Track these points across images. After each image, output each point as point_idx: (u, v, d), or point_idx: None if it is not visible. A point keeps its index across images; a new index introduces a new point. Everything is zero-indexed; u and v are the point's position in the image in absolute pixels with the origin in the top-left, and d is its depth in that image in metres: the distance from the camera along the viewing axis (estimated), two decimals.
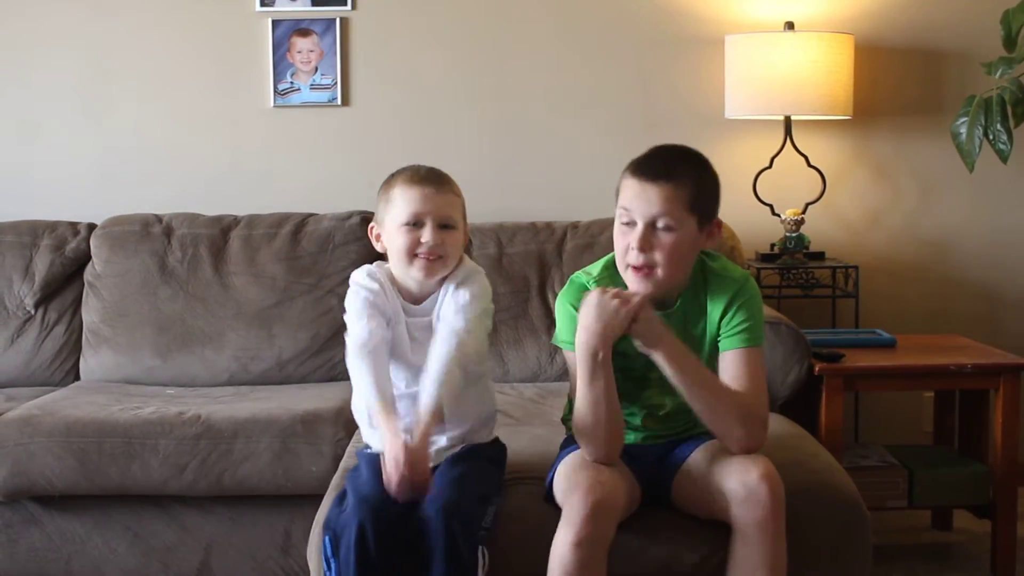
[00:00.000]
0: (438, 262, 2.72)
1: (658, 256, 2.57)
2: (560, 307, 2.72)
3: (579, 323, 2.57)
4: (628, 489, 2.62)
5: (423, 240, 2.68)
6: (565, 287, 2.74)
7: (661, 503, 2.74)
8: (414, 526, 2.56)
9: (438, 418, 2.61)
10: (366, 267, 2.82)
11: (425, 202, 2.69)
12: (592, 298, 2.56)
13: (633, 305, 2.53)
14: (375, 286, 2.76)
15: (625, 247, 2.60)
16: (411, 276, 2.75)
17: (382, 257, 3.64)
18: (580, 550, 2.46)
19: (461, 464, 2.67)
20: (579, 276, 2.74)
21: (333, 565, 2.56)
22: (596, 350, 2.54)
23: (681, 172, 2.60)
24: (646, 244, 2.57)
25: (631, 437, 2.75)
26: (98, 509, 3.36)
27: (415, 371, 2.73)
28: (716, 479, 2.57)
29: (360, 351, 2.69)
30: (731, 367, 2.64)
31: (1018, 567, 3.57)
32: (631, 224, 2.59)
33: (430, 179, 2.71)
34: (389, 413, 2.62)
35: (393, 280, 2.80)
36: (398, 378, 2.78)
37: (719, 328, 2.66)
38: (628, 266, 2.61)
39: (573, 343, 2.61)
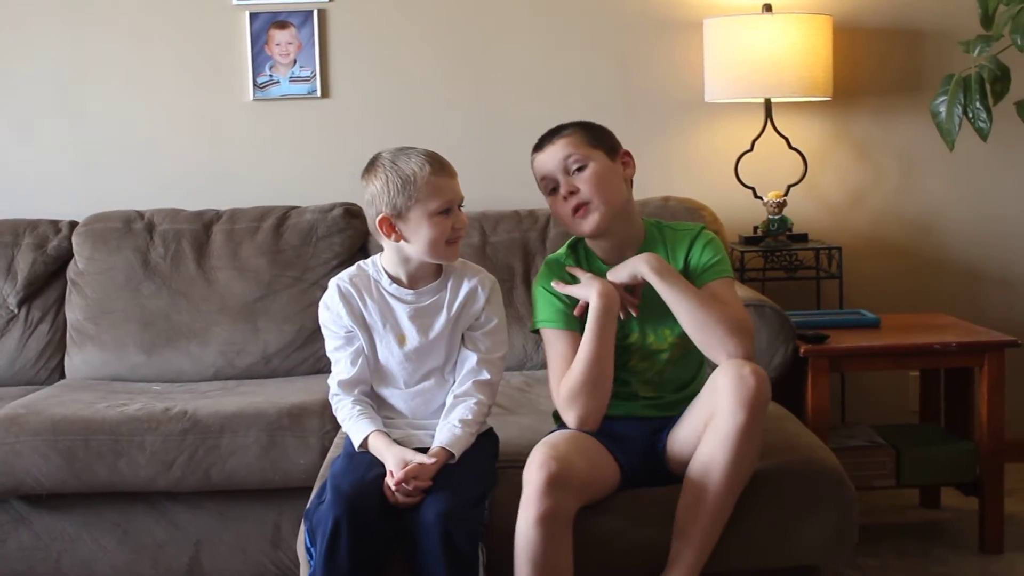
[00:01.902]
0: (460, 240, 2.81)
1: (585, 191, 2.78)
2: (537, 290, 2.86)
3: (596, 289, 2.73)
4: (591, 463, 2.66)
5: (456, 226, 2.76)
6: (540, 272, 2.90)
7: (654, 482, 2.75)
8: (392, 524, 2.57)
9: (450, 455, 2.68)
10: (335, 283, 2.84)
11: (452, 188, 2.76)
12: (585, 278, 2.79)
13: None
14: (343, 306, 2.81)
15: (560, 206, 2.81)
16: (439, 260, 2.81)
17: (364, 247, 3.66)
18: (540, 526, 2.50)
19: (458, 463, 2.67)
20: (551, 257, 2.92)
21: (313, 555, 2.57)
22: (610, 307, 2.72)
23: (567, 127, 2.86)
24: (571, 187, 2.79)
25: (628, 407, 2.84)
26: (86, 507, 3.36)
27: (416, 359, 2.80)
28: (710, 380, 2.68)
29: (342, 388, 2.80)
30: (711, 296, 2.76)
31: (1006, 543, 3.58)
32: (555, 188, 2.81)
33: (447, 164, 2.78)
34: (383, 438, 2.69)
35: (383, 272, 2.82)
36: (398, 378, 2.81)
37: (686, 273, 2.80)
38: (572, 217, 2.79)
39: (553, 321, 2.81)
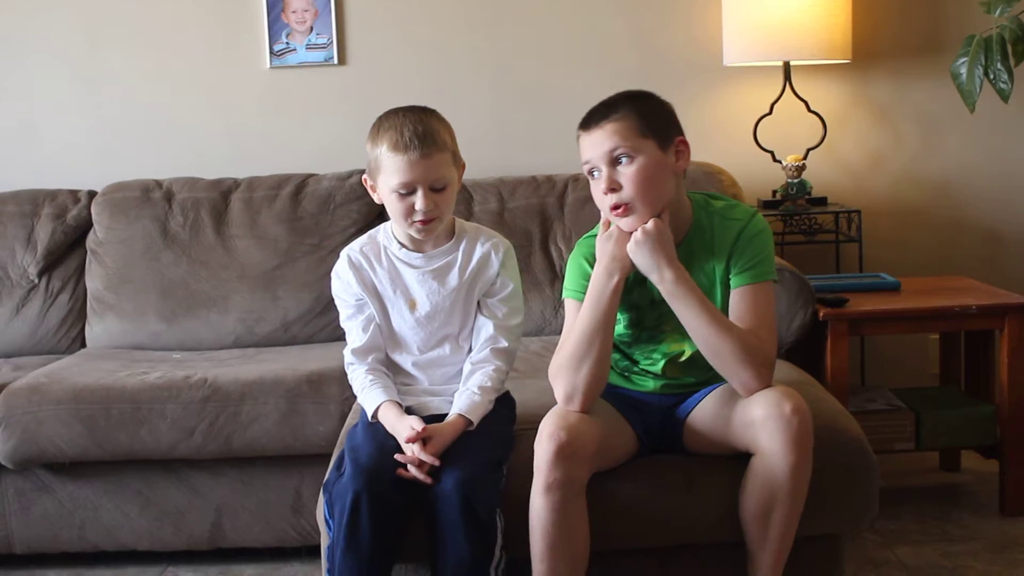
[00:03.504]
0: (433, 223, 2.74)
1: (628, 191, 2.59)
2: (572, 261, 2.75)
3: (600, 254, 2.62)
4: (604, 432, 2.62)
5: (416, 207, 2.69)
6: (578, 244, 2.77)
7: (670, 451, 2.75)
8: (411, 494, 2.57)
9: (468, 422, 2.67)
10: (346, 252, 2.86)
11: (413, 170, 2.68)
12: (612, 229, 2.63)
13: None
14: (353, 275, 2.82)
15: (600, 196, 2.63)
16: (410, 234, 2.78)
17: (382, 214, 3.66)
18: (551, 494, 2.49)
19: (476, 433, 2.66)
20: (590, 234, 2.76)
21: (331, 526, 2.57)
22: (612, 273, 2.60)
23: (620, 106, 2.63)
24: (613, 183, 2.60)
25: (650, 385, 2.78)
26: (109, 475, 3.38)
27: (428, 325, 2.80)
28: (742, 407, 2.58)
29: (355, 356, 2.81)
30: (737, 305, 2.64)
31: None
32: (598, 172, 2.63)
33: (415, 143, 2.66)
34: (394, 409, 2.68)
35: (392, 238, 2.84)
36: (412, 344, 2.82)
37: (727, 268, 2.66)
38: (610, 212, 2.63)
39: (576, 291, 2.69)
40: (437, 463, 2.56)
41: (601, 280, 2.61)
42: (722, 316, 2.60)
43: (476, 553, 2.51)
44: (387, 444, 2.63)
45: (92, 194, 4.09)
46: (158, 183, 4.06)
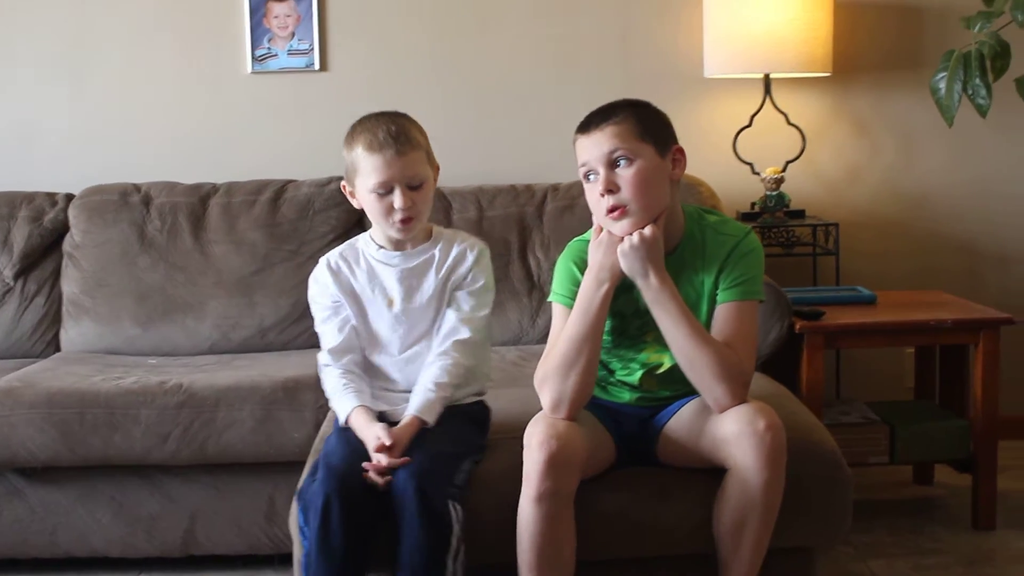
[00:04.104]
0: (413, 222, 2.78)
1: (625, 193, 2.59)
2: (560, 264, 2.75)
3: (590, 262, 2.63)
4: (591, 442, 2.63)
5: (395, 206, 2.73)
6: (567, 248, 2.77)
7: (645, 462, 2.75)
8: (383, 497, 2.58)
9: (423, 422, 2.69)
10: (324, 259, 2.90)
11: (389, 168, 2.72)
12: (602, 237, 2.63)
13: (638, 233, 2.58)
14: (330, 278, 2.85)
15: (596, 199, 2.63)
16: (389, 234, 2.82)
17: (361, 221, 3.68)
18: (541, 504, 2.50)
19: (436, 426, 2.69)
20: (579, 238, 2.76)
21: (307, 534, 2.57)
22: (602, 281, 2.60)
23: (620, 111, 2.64)
24: (610, 185, 2.59)
25: (625, 396, 2.78)
26: (81, 480, 3.36)
27: (406, 322, 2.82)
28: (715, 422, 2.58)
29: (331, 357, 2.82)
30: (720, 320, 2.64)
31: (999, 520, 3.59)
32: (594, 175, 2.63)
33: (389, 142, 2.72)
34: (364, 415, 2.69)
35: (371, 242, 2.87)
36: (390, 344, 2.83)
37: (716, 282, 2.66)
38: (605, 216, 2.62)
39: (564, 296, 2.69)
40: (403, 462, 2.57)
41: (591, 288, 2.61)
42: (702, 329, 2.60)
43: (431, 542, 2.51)
44: (359, 449, 2.64)
45: (70, 197, 4.08)
46: (136, 187, 4.05)
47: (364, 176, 2.75)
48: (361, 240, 2.90)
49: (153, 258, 3.92)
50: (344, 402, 2.74)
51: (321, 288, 2.87)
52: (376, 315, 2.84)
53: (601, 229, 2.65)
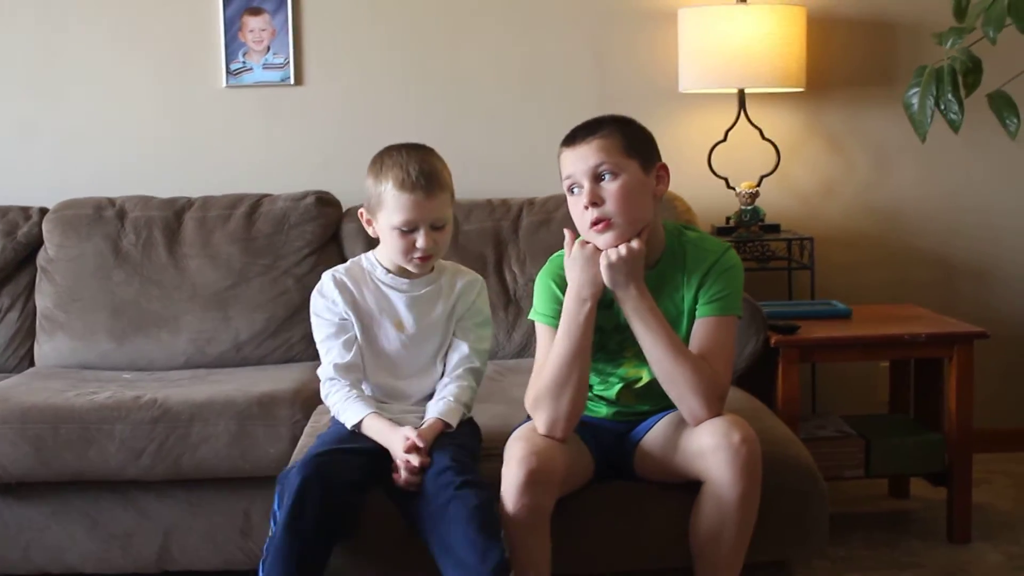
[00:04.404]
0: (431, 259, 2.83)
1: (610, 206, 2.60)
2: (539, 282, 2.76)
3: (568, 279, 2.63)
4: (570, 459, 2.63)
5: (418, 245, 2.76)
6: (546, 264, 2.78)
7: (621, 476, 2.76)
8: (359, 500, 2.63)
9: (446, 425, 2.72)
10: (330, 273, 2.90)
11: (417, 209, 2.74)
12: (576, 252, 2.62)
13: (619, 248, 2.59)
14: (338, 293, 2.84)
15: (580, 212, 2.64)
16: (405, 267, 2.84)
17: (337, 236, 3.67)
18: (519, 522, 2.50)
19: (446, 448, 2.66)
20: (558, 254, 2.76)
21: (276, 519, 2.56)
22: (584, 299, 2.60)
23: (606, 125, 2.66)
24: (595, 198, 2.60)
25: (602, 411, 2.80)
26: (55, 496, 3.33)
27: (413, 346, 2.85)
28: (691, 436, 2.59)
29: (337, 373, 2.80)
30: (698, 335, 2.66)
31: (974, 532, 3.61)
32: (579, 188, 2.63)
33: (420, 184, 2.72)
34: (381, 420, 2.71)
35: (377, 264, 2.89)
36: (397, 365, 2.86)
37: (695, 298, 2.67)
38: (589, 229, 2.62)
39: (546, 315, 2.70)
40: (429, 462, 2.60)
41: (573, 308, 2.62)
42: (680, 343, 2.61)
43: (482, 521, 2.49)
44: (349, 446, 2.67)
45: (44, 211, 4.05)
46: (111, 201, 4.03)
47: (389, 212, 2.76)
48: (366, 261, 2.91)
49: (128, 272, 3.90)
50: (355, 409, 2.74)
51: (327, 303, 2.87)
52: (383, 337, 2.86)
53: (574, 244, 2.65)
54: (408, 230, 2.75)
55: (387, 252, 2.84)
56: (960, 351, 3.56)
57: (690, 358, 2.58)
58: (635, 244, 2.59)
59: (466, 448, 2.70)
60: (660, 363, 2.59)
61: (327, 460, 2.60)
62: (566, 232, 2.69)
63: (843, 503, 3.85)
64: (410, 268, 2.82)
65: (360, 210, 2.88)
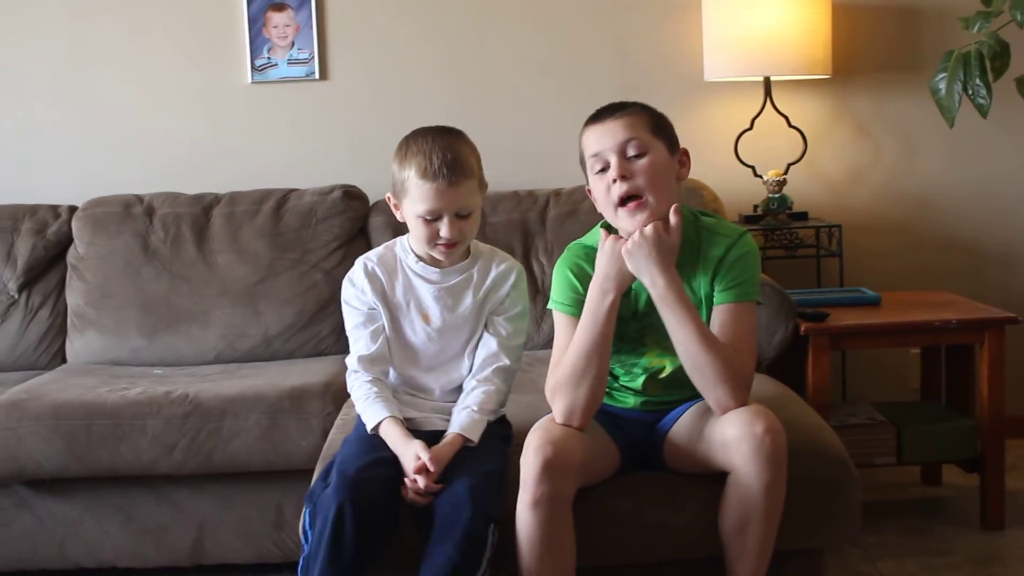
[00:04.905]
0: (457, 246, 2.77)
1: (640, 181, 2.59)
2: (557, 271, 2.75)
3: (595, 271, 2.61)
4: (590, 448, 2.62)
5: (442, 234, 2.72)
6: (564, 253, 2.77)
7: (651, 467, 2.75)
8: (395, 506, 2.58)
9: (467, 440, 2.68)
10: (362, 260, 2.86)
11: (440, 199, 2.69)
12: (606, 245, 2.61)
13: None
14: (368, 283, 2.82)
15: (606, 189, 2.62)
16: (432, 255, 2.80)
17: (364, 229, 3.67)
18: (537, 510, 2.49)
19: (465, 475, 2.62)
20: (576, 243, 2.76)
21: (309, 538, 2.56)
22: (606, 291, 2.58)
23: (631, 105, 2.68)
24: (625, 171, 2.59)
25: (630, 401, 2.78)
26: (89, 491, 3.36)
27: (440, 339, 2.81)
28: (716, 426, 2.58)
29: (361, 364, 2.78)
30: (718, 322, 2.63)
31: (1007, 519, 3.59)
32: (605, 168, 2.62)
33: (443, 173, 2.67)
34: (398, 429, 2.67)
35: (410, 251, 2.85)
36: (423, 357, 2.83)
37: (712, 284, 2.66)
38: (616, 206, 2.61)
39: (564, 304, 2.68)
40: (439, 488, 2.56)
41: (595, 299, 2.60)
42: (708, 331, 2.59)
43: (463, 559, 2.49)
44: (378, 456, 2.62)
45: (73, 209, 4.08)
46: (139, 198, 4.05)
47: (413, 200, 2.72)
48: (399, 246, 2.87)
49: (157, 269, 3.93)
50: (374, 411, 2.71)
51: (357, 292, 2.84)
52: (410, 329, 2.83)
53: (608, 235, 2.64)
54: (432, 219, 2.71)
55: (414, 238, 2.81)
56: (991, 336, 3.54)
57: (718, 346, 2.56)
58: (649, 231, 2.56)
59: (493, 475, 2.61)
60: (688, 352, 2.57)
61: (359, 480, 2.55)
62: (601, 231, 2.67)
63: (875, 490, 3.84)
64: (436, 256, 2.79)
65: (388, 195, 2.83)
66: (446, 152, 2.69)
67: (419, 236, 2.76)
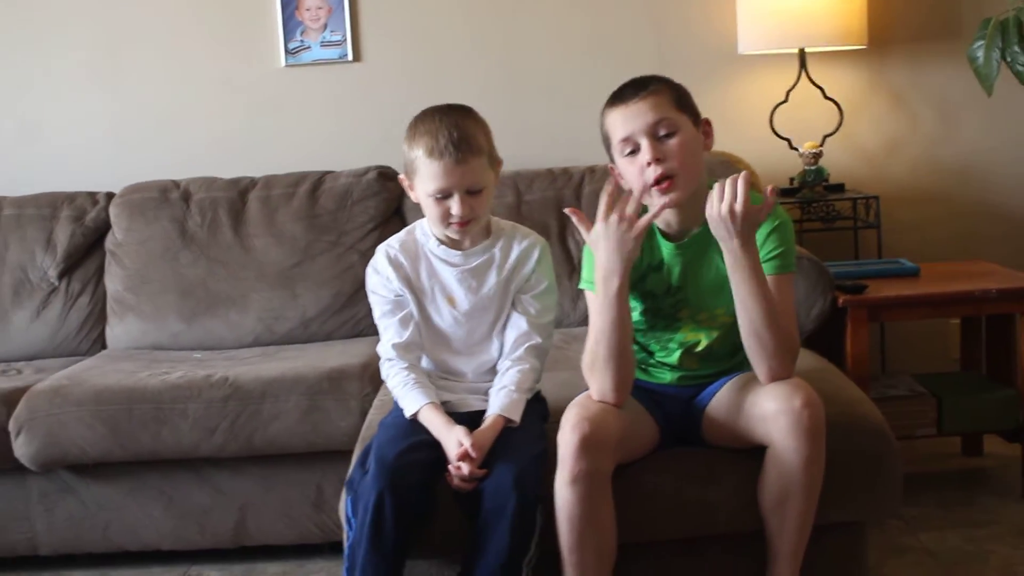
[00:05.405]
0: (470, 224, 2.74)
1: (674, 163, 2.58)
2: (585, 250, 2.73)
3: (595, 260, 2.60)
4: (627, 424, 2.62)
5: (453, 212, 2.69)
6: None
7: (689, 442, 2.75)
8: (431, 494, 2.59)
9: (508, 421, 2.67)
10: (383, 248, 2.85)
11: (449, 176, 2.67)
12: (598, 229, 2.58)
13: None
14: (392, 271, 2.80)
15: (639, 171, 2.61)
16: (447, 235, 2.78)
17: (399, 210, 3.66)
18: (576, 486, 2.49)
19: (511, 460, 2.61)
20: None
21: (352, 524, 2.57)
22: (610, 275, 2.56)
23: (653, 82, 2.65)
24: (659, 154, 2.58)
25: (666, 377, 2.78)
26: (132, 475, 3.40)
27: (468, 322, 2.80)
28: (754, 400, 2.58)
29: (396, 352, 2.76)
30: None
31: None
32: (635, 150, 2.61)
33: (449, 151, 2.65)
34: (438, 415, 2.66)
35: (430, 235, 2.83)
36: (453, 340, 2.81)
37: None
38: (649, 188, 2.59)
39: (593, 283, 2.65)
40: (483, 473, 2.56)
41: (602, 285, 2.59)
42: (775, 303, 2.55)
43: (514, 545, 2.50)
44: (415, 440, 2.62)
45: (110, 196, 4.11)
46: (175, 183, 4.07)
47: (423, 180, 2.71)
48: (419, 231, 2.85)
49: (195, 253, 3.95)
50: (413, 398, 2.70)
51: (382, 280, 2.82)
52: (436, 313, 2.81)
53: (597, 220, 2.59)
54: (442, 196, 2.69)
55: (428, 219, 2.79)
56: None
57: (779, 320, 2.55)
58: (741, 193, 2.49)
59: (537, 457, 2.59)
60: (753, 323, 2.54)
61: (397, 467, 2.54)
62: (568, 212, 2.65)
63: (916, 462, 3.82)
64: (450, 234, 2.76)
65: (400, 176, 2.82)
66: (452, 130, 2.67)
67: (432, 216, 2.74)
